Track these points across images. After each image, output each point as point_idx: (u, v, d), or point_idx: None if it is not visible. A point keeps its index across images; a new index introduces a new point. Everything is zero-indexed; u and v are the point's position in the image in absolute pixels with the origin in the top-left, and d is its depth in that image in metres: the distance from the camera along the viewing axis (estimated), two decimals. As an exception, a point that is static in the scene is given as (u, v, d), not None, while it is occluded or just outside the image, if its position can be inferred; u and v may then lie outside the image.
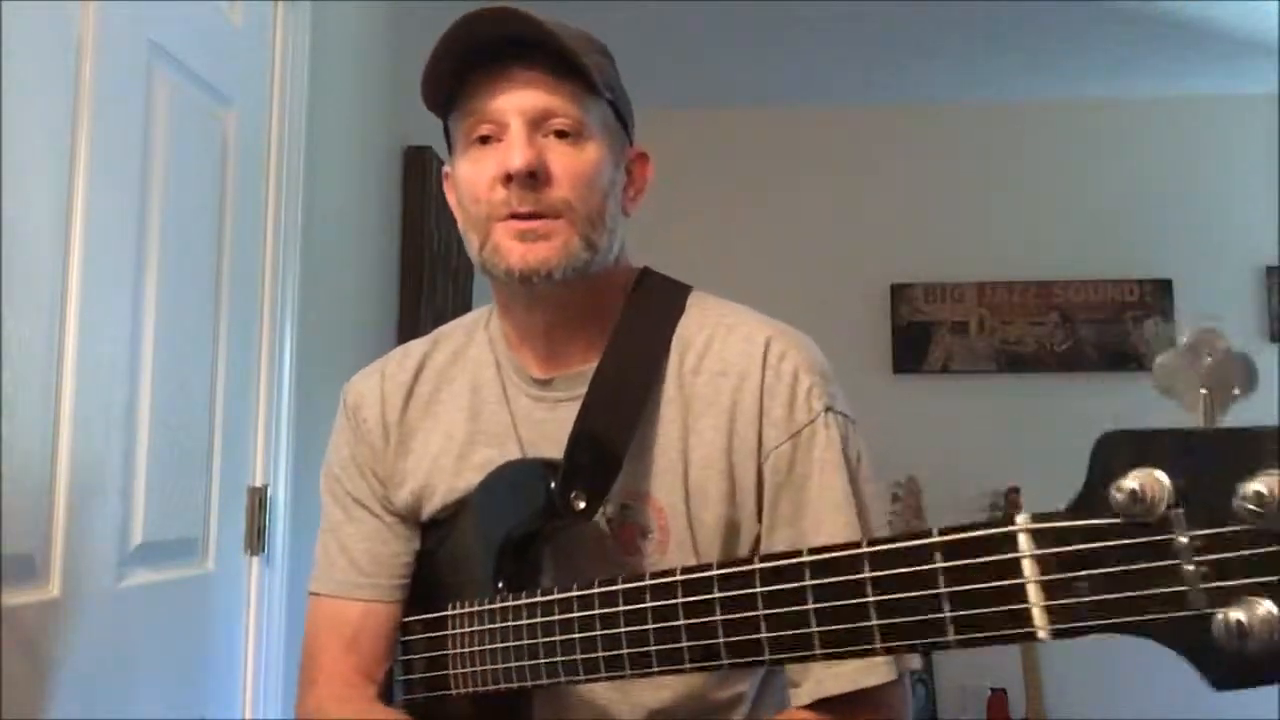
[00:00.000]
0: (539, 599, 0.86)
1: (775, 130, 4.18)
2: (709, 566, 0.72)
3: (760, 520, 0.93)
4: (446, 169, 1.01)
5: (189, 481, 1.58)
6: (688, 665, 0.73)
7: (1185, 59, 3.68)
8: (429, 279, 2.61)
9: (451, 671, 0.96)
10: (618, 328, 0.97)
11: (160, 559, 1.50)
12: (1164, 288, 3.97)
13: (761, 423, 0.92)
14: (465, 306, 2.86)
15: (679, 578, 0.72)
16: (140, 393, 1.44)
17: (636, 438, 0.94)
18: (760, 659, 0.67)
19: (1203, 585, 0.47)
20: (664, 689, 0.95)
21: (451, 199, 1.00)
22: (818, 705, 0.89)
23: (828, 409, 0.92)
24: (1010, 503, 3.71)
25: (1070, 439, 0.52)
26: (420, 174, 2.58)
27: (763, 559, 0.68)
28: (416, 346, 1.07)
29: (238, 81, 1.75)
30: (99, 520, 1.35)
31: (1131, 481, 0.48)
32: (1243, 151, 3.95)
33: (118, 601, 1.39)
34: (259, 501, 1.78)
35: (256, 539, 1.77)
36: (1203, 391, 0.48)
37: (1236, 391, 0.48)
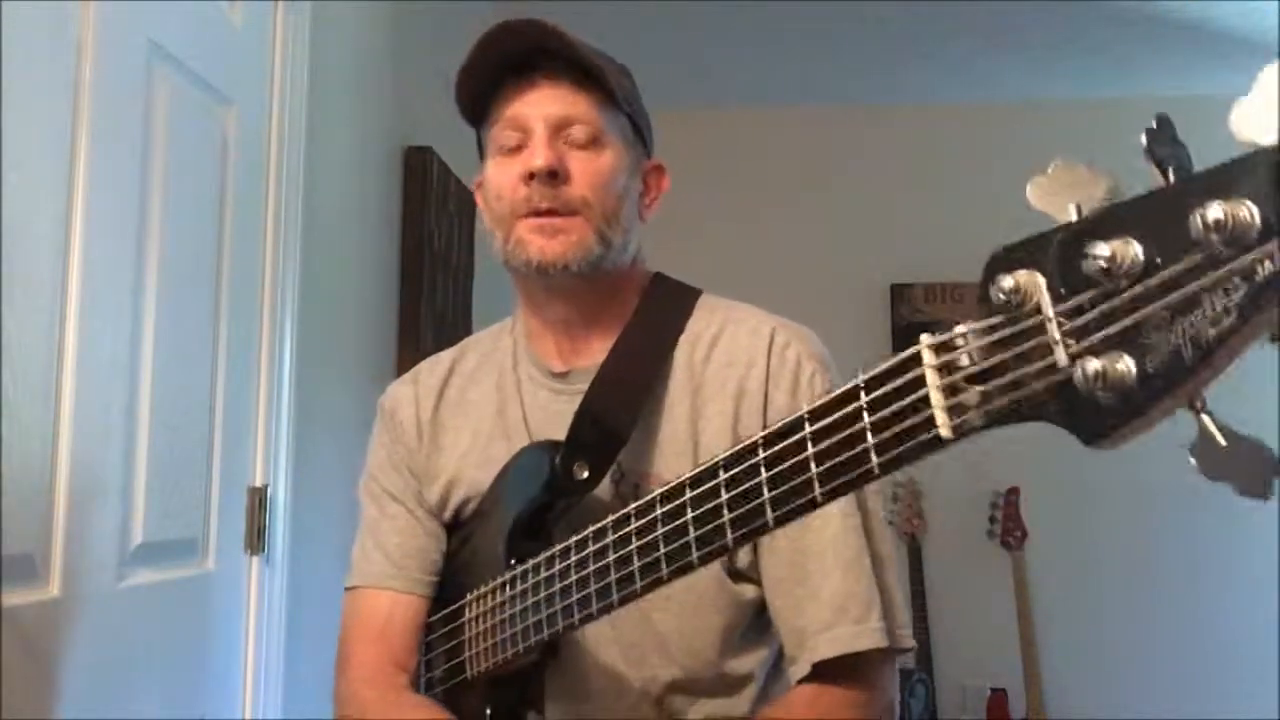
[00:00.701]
0: (540, 557, 0.91)
1: (775, 130, 4.18)
2: (682, 474, 0.76)
3: None
4: (478, 179, 1.09)
5: (189, 481, 1.58)
6: (665, 573, 0.76)
7: (1185, 59, 3.67)
8: (429, 279, 2.61)
9: (468, 654, 1.01)
10: (629, 323, 1.04)
11: (160, 559, 1.50)
12: (1164, 288, 3.96)
13: (766, 407, 0.98)
14: (465, 306, 2.86)
15: (657, 493, 0.78)
16: (140, 393, 1.44)
17: (646, 422, 1.00)
18: (724, 543, 0.70)
19: (1068, 351, 0.49)
20: (674, 665, 0.99)
21: (481, 204, 1.08)
22: (816, 677, 0.93)
23: (828, 394, 0.95)
24: (1009, 504, 3.71)
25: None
26: (420, 174, 2.58)
27: (725, 452, 0.72)
28: (447, 354, 1.16)
29: (238, 81, 1.75)
30: (99, 520, 1.35)
31: (1007, 279, 0.51)
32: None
33: (118, 601, 1.39)
34: (259, 501, 1.78)
35: (256, 539, 1.77)
36: (1071, 205, 0.51)
37: (1105, 197, 0.51)
